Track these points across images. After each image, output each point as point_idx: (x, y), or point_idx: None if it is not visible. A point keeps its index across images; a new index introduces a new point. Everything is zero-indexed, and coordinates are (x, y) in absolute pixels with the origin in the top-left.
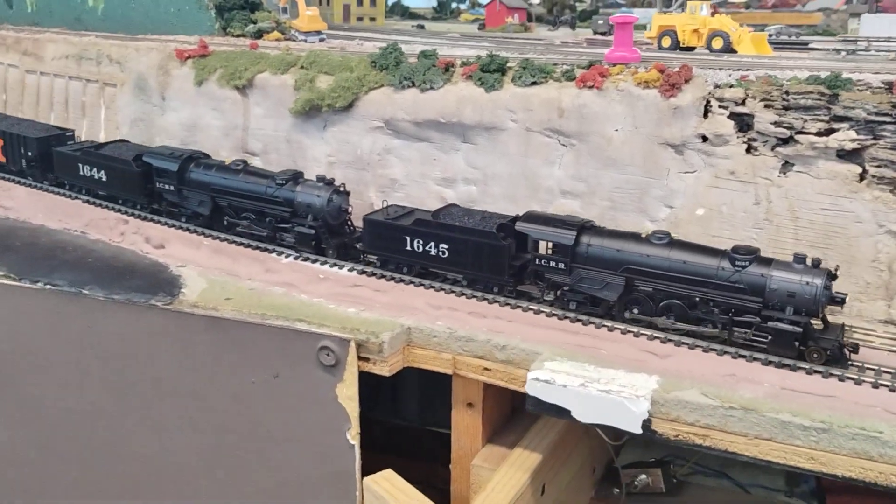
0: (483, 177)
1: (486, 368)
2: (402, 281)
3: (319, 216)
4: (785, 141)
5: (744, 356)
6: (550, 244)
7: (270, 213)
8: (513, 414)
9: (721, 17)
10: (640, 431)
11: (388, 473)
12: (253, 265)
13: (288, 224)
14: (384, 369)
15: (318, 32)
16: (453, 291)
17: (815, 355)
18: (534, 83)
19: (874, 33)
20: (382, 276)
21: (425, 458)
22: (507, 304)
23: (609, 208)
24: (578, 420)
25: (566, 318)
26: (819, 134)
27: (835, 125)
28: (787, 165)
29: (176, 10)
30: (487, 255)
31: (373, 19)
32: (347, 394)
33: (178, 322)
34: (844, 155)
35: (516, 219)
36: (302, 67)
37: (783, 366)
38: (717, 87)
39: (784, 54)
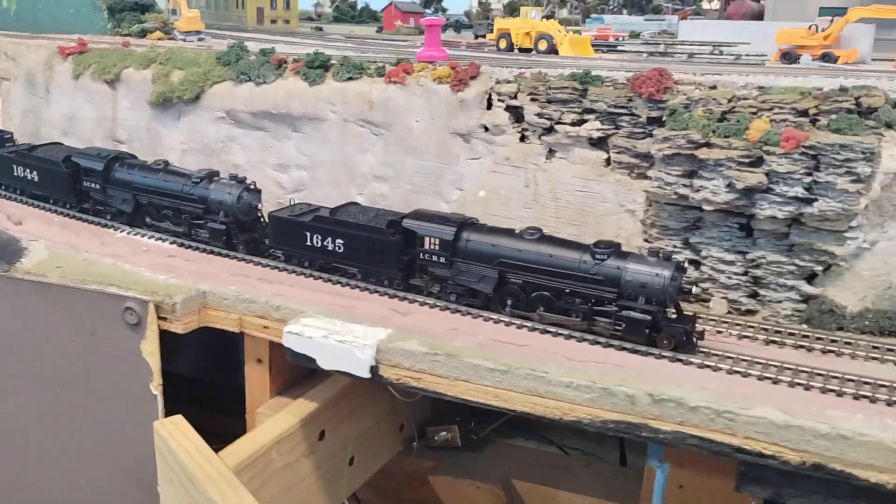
0: (311, 163)
1: (265, 326)
2: (211, 252)
3: (230, 213)
4: (548, 130)
5: (471, 314)
6: (434, 240)
7: (186, 210)
8: (310, 373)
9: (548, 22)
10: (369, 375)
11: (177, 418)
12: (92, 239)
13: (202, 220)
14: (179, 327)
15: (198, 32)
16: (252, 261)
17: (665, 342)
18: (350, 78)
19: (689, 37)
20: (196, 249)
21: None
22: (294, 271)
23: (411, 191)
24: (321, 367)
25: (339, 283)
26: (573, 124)
27: (585, 116)
28: (551, 152)
29: (75, 11)
30: (378, 251)
31: (287, 21)
32: (149, 349)
33: (14, 287)
34: (595, 143)
35: (405, 216)
36: (160, 63)
37: (499, 321)
38: (497, 82)
39: (604, 56)
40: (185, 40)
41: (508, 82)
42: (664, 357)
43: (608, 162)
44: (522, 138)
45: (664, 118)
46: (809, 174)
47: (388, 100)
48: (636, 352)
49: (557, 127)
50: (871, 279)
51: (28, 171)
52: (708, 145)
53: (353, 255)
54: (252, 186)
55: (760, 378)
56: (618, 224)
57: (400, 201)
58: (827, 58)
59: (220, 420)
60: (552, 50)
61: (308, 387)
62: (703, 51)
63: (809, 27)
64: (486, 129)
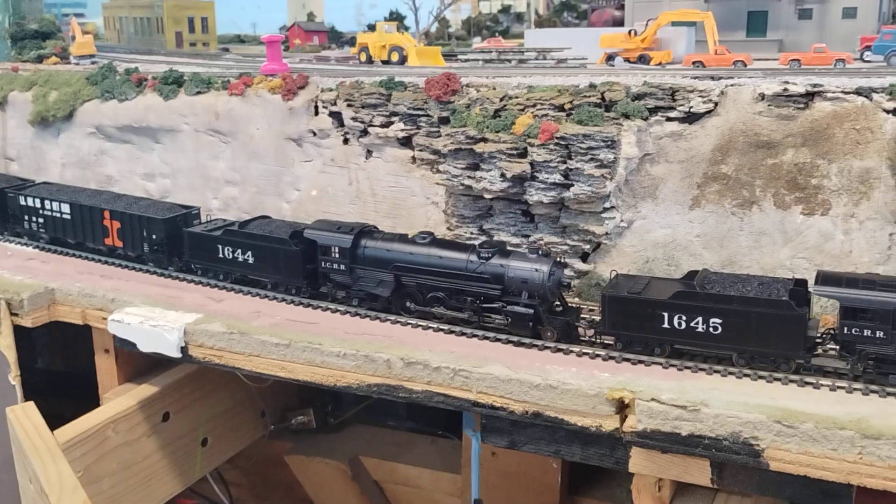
0: (172, 171)
1: (103, 318)
2: (67, 254)
3: (539, 293)
4: (364, 133)
5: (275, 298)
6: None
7: (472, 292)
8: (159, 361)
9: (400, 35)
10: (179, 355)
11: (27, 405)
12: None
13: (496, 304)
14: (28, 322)
15: (91, 56)
16: (100, 261)
17: None
18: (199, 92)
19: (532, 44)
20: (55, 252)
21: None
22: (130, 267)
23: (257, 193)
24: (141, 349)
25: (169, 276)
26: (382, 126)
27: (392, 119)
28: (368, 153)
29: None
30: (775, 327)
31: (206, 44)
32: (5, 343)
33: None
34: (403, 142)
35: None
36: (39, 85)
37: (299, 304)
38: (322, 90)
39: (451, 64)
40: (78, 63)
41: (330, 90)
42: (430, 328)
43: (414, 159)
44: (345, 141)
45: (450, 117)
46: (564, 162)
47: (231, 110)
48: (407, 324)
49: (370, 129)
50: (632, 255)
51: (240, 251)
52: (484, 140)
53: (733, 336)
54: (559, 259)
55: (505, 342)
56: (426, 215)
57: (248, 203)
58: (642, 59)
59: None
60: (403, 60)
61: (155, 374)
62: (529, 57)
63: (629, 31)
64: (315, 133)
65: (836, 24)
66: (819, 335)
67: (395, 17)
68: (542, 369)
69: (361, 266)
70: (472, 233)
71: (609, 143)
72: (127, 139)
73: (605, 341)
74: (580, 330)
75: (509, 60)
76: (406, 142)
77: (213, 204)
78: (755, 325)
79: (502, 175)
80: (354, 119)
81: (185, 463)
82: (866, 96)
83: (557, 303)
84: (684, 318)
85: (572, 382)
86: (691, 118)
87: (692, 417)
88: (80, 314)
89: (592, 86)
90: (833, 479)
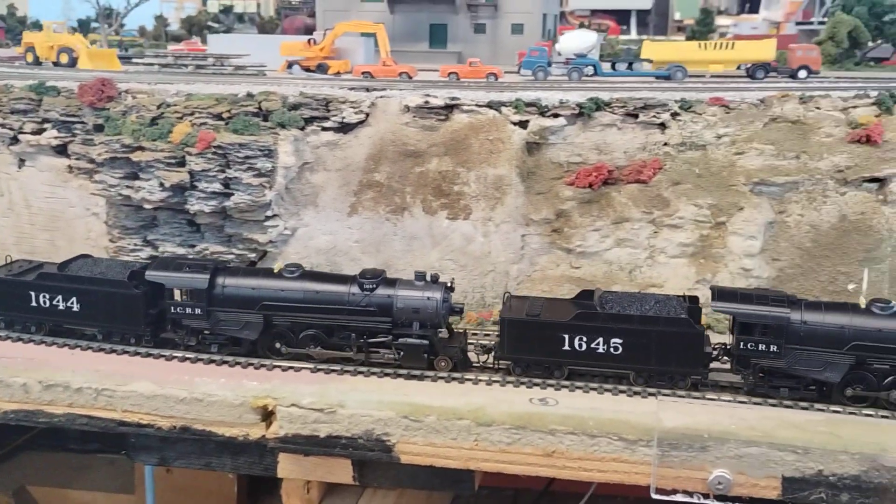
0: None
1: None
2: None
3: (432, 322)
4: (14, 140)
5: None
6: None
7: (356, 327)
8: None
9: (70, 36)
10: None
11: None
12: None
13: (384, 337)
14: None
15: None
16: None
17: None
18: None
19: (217, 50)
20: None
21: None
22: None
23: None
24: None
25: None
26: (34, 133)
27: (45, 126)
28: (22, 161)
29: None
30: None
31: None
32: None
33: None
34: (59, 150)
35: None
36: None
37: (20, 340)
38: None
39: (127, 67)
40: None
41: None
42: (77, 347)
43: (71, 168)
44: None
45: (105, 125)
46: (223, 171)
47: None
48: (53, 344)
49: (21, 136)
50: (297, 262)
51: (61, 298)
52: (141, 149)
53: (633, 355)
54: (449, 284)
55: (157, 356)
56: (86, 227)
57: None
58: (321, 68)
59: None
60: (74, 62)
61: None
62: (207, 63)
63: (308, 40)
64: None
65: (507, 38)
66: (713, 350)
67: (107, 14)
68: (191, 382)
69: (221, 308)
70: (135, 244)
71: (266, 152)
72: None
73: (503, 366)
74: (472, 355)
75: (186, 66)
76: (62, 150)
77: None
78: (655, 344)
79: (161, 184)
80: (3, 126)
81: None
82: (497, 109)
83: (441, 329)
84: (585, 339)
85: (218, 393)
86: (346, 128)
87: (329, 419)
88: None
89: (250, 95)
90: (455, 466)
